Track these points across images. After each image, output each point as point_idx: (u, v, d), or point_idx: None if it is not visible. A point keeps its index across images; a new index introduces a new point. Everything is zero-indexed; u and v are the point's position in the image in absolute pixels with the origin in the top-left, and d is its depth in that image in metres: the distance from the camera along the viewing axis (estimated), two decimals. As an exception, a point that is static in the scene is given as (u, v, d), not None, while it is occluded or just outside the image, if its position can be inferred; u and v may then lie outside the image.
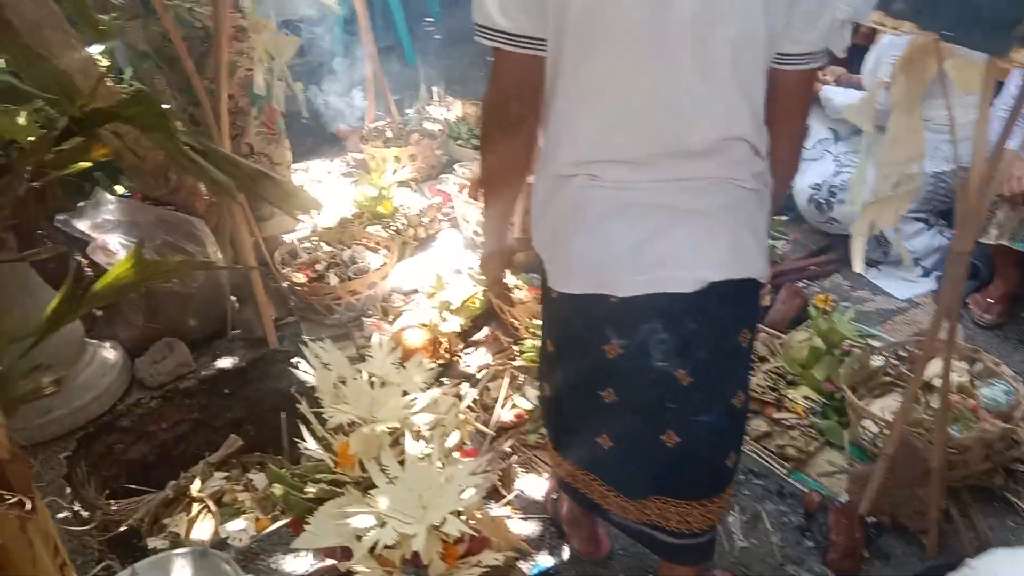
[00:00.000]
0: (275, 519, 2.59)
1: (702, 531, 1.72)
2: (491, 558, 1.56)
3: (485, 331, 2.92)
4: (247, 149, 3.01)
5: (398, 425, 1.72)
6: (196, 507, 2.59)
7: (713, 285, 1.43)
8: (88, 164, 1.34)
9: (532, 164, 1.52)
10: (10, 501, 0.91)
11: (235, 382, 2.90)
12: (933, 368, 2.46)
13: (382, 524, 1.54)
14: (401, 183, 3.73)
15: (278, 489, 1.78)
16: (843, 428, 2.44)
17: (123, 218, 2.62)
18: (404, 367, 1.90)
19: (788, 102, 1.43)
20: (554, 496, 2.27)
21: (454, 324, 2.77)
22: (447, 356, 2.80)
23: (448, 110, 4.43)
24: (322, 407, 1.83)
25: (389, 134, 4.18)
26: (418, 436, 1.74)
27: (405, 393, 1.86)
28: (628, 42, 1.29)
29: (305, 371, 1.80)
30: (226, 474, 2.75)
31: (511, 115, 1.40)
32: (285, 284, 3.06)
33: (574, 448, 1.82)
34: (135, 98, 0.98)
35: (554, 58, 1.36)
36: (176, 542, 2.48)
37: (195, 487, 2.62)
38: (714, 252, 1.43)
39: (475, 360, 2.81)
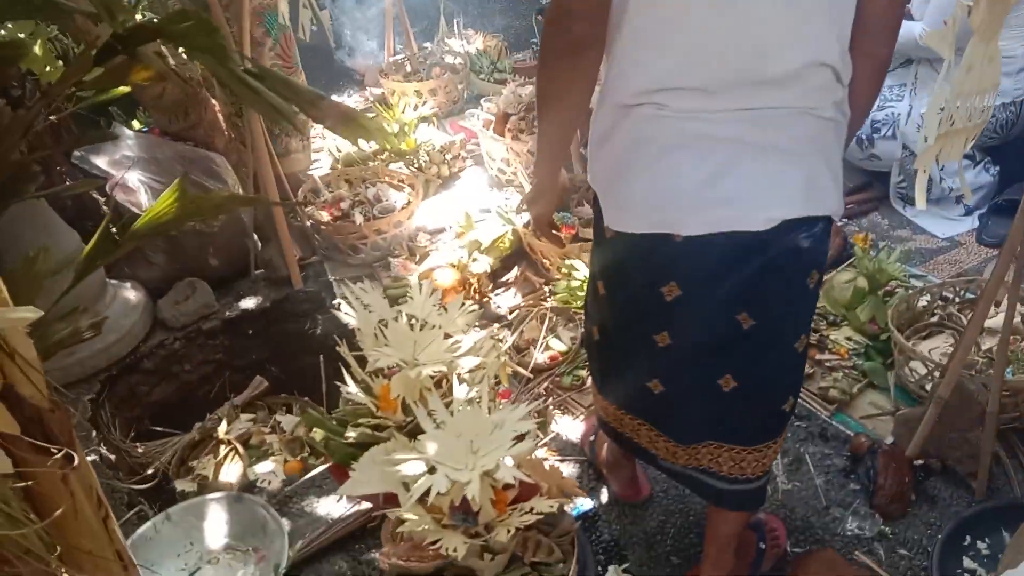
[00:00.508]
0: (304, 461, 2.56)
1: (756, 476, 1.67)
2: (545, 505, 1.50)
3: (515, 271, 2.85)
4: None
5: (444, 368, 1.65)
6: (223, 449, 2.55)
7: (785, 223, 1.34)
8: (113, 95, 1.25)
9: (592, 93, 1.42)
10: (56, 455, 0.84)
11: (259, 323, 2.84)
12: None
13: (431, 470, 1.48)
14: (423, 119, 3.61)
15: (318, 434, 1.73)
16: (887, 370, 2.38)
17: (142, 154, 2.52)
18: (445, 309, 1.82)
19: (876, 26, 1.32)
20: (592, 438, 2.23)
21: (484, 264, 2.69)
22: (477, 297, 2.73)
23: (468, 43, 4.27)
24: (360, 350, 1.77)
25: (409, 68, 4.04)
26: (463, 379, 1.67)
27: (447, 336, 1.79)
28: None
29: (347, 313, 1.72)
30: (252, 416, 2.70)
31: (576, 37, 1.28)
32: (308, 223, 2.97)
33: (622, 392, 1.77)
34: (182, 13, 0.88)
35: None
36: (204, 484, 2.44)
37: (221, 429, 2.57)
38: (788, 188, 1.34)
39: (505, 301, 2.74)
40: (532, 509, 1.53)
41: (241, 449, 2.51)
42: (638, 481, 2.12)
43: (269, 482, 2.48)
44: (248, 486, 2.48)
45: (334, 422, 1.81)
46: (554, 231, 2.72)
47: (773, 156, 1.33)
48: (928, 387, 2.25)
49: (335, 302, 1.90)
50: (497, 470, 1.47)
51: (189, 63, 2.58)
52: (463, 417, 1.57)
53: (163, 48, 2.39)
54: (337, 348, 1.78)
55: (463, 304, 1.87)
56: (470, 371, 1.71)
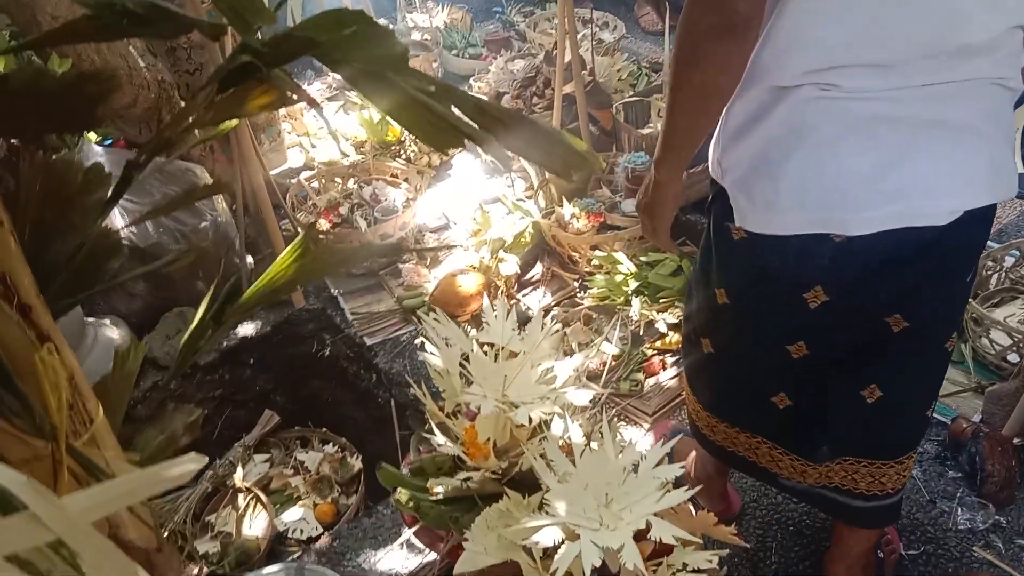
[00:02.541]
0: (335, 502, 2.30)
1: (895, 491, 1.51)
2: (702, 559, 1.29)
3: (539, 268, 2.60)
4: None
5: (555, 409, 1.42)
6: (243, 499, 2.27)
7: (967, 214, 1.16)
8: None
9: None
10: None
11: (260, 349, 2.54)
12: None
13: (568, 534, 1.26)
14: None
15: (403, 495, 1.47)
16: (962, 343, 2.23)
17: (115, 171, 2.17)
18: (526, 333, 1.58)
19: None
20: (668, 451, 2.03)
21: (513, 265, 2.44)
22: (506, 300, 2.48)
23: (432, 18, 3.95)
24: (435, 388, 1.52)
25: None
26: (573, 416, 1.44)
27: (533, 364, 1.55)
28: None
29: (432, 353, 1.46)
30: (267, 456, 2.42)
31: (738, 16, 1.04)
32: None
33: (739, 409, 1.58)
34: (337, 15, 0.62)
35: None
36: (228, 542, 2.16)
37: (237, 476, 2.28)
38: (973, 173, 1.15)
39: (535, 302, 2.50)
40: (686, 566, 1.32)
41: (263, 497, 2.23)
42: (728, 495, 1.93)
43: (301, 531, 2.21)
44: (278, 538, 2.20)
45: (415, 475, 1.55)
46: (576, 219, 2.49)
47: (959, 136, 1.13)
48: (1010, 358, 2.12)
49: (416, 341, 1.60)
50: (652, 529, 1.26)
51: (156, 62, 2.23)
52: (588, 464, 1.34)
53: (130, 46, 2.05)
54: (409, 390, 1.53)
55: (543, 324, 1.63)
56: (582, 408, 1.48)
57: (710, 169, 1.33)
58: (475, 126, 0.71)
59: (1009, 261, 2.32)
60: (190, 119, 0.64)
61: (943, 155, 1.13)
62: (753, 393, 1.50)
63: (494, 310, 1.61)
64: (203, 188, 0.88)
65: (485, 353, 1.56)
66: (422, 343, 1.51)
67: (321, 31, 0.66)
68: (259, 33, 0.66)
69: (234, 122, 0.76)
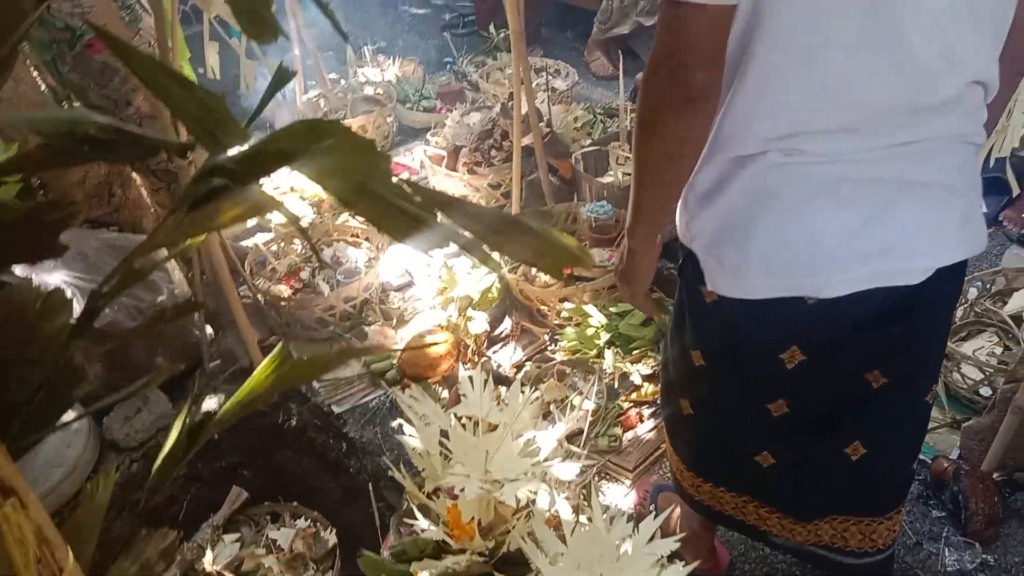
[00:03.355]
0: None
1: (886, 546, 1.49)
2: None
3: (508, 322, 2.57)
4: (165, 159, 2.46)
5: (541, 486, 1.38)
6: (214, 583, 2.17)
7: (939, 271, 1.16)
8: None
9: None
10: None
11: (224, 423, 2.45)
12: (1017, 300, 2.29)
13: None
14: (361, 162, 3.26)
15: (387, 584, 1.41)
16: (932, 378, 2.24)
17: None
18: (505, 403, 1.54)
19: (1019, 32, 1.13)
20: (651, 507, 2.00)
21: (481, 323, 2.40)
22: (475, 359, 2.43)
23: (383, 71, 3.94)
24: (414, 467, 1.47)
25: (325, 106, 3.67)
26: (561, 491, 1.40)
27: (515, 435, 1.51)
28: None
29: (411, 435, 1.41)
30: (237, 536, 2.32)
31: (697, 87, 1.04)
32: (263, 300, 2.59)
33: (723, 469, 1.56)
34: (313, 126, 0.59)
35: (751, 7, 1.02)
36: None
37: (207, 560, 2.18)
38: (946, 231, 1.15)
39: (506, 358, 2.46)
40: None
41: (236, 580, 2.14)
42: (716, 550, 1.90)
43: (278, 615, 2.12)
44: (254, 624, 2.11)
45: (398, 560, 1.49)
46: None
47: (928, 194, 1.14)
48: (982, 392, 2.13)
49: (395, 424, 1.54)
50: (652, 611, 1.22)
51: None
52: (579, 542, 1.30)
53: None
54: (383, 459, 1.47)
55: (523, 391, 1.59)
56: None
57: (679, 234, 1.31)
58: (467, 235, 0.68)
59: (973, 293, 2.35)
60: (156, 243, 0.59)
61: (913, 214, 1.13)
62: (736, 452, 1.47)
63: (471, 382, 1.57)
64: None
65: (464, 426, 1.52)
66: (392, 408, 1.45)
67: (297, 143, 0.62)
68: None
69: (199, 239, 0.72)
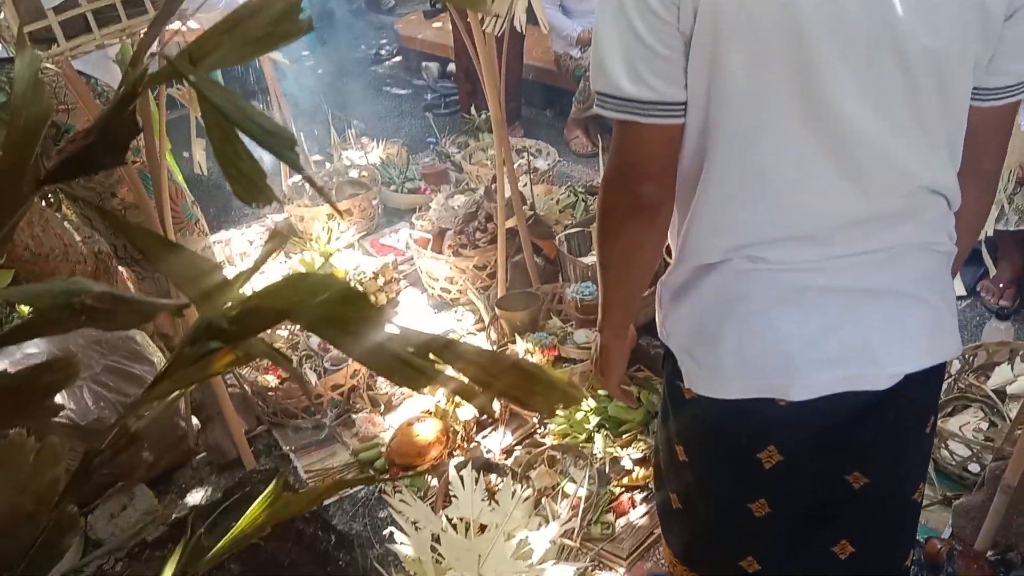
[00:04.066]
0: None
1: (884, 637, 1.47)
2: None
3: (496, 406, 2.56)
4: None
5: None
6: None
7: (908, 377, 1.17)
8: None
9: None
10: None
11: (210, 517, 2.41)
12: (1000, 375, 2.31)
13: None
14: (348, 246, 3.30)
15: None
16: (921, 455, 2.25)
17: (51, 348, 2.09)
18: (496, 502, 1.53)
19: (984, 142, 1.16)
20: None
21: (470, 408, 2.39)
22: (464, 445, 2.42)
23: (366, 153, 4.00)
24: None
25: (309, 190, 3.71)
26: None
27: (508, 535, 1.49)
28: (813, 86, 1.01)
29: (402, 543, 1.40)
30: (226, 635, 2.26)
31: (648, 198, 1.10)
32: (249, 389, 2.58)
33: (713, 566, 1.54)
34: (307, 279, 0.61)
35: (700, 123, 1.07)
36: None
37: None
38: (910, 338, 1.17)
39: (495, 444, 2.45)
40: None
41: None
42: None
43: None
44: None
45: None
46: (529, 355, 2.48)
47: (893, 301, 1.16)
48: (971, 468, 2.14)
49: (383, 516, 1.52)
50: None
51: (92, 233, 2.18)
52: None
53: (69, 215, 2.01)
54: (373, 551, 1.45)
55: (513, 491, 1.59)
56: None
57: (657, 329, 1.33)
58: (463, 379, 0.70)
59: (955, 367, 2.37)
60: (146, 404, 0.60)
61: (874, 322, 1.14)
62: (722, 553, 1.46)
63: (461, 481, 1.56)
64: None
65: (455, 528, 1.51)
66: (381, 498, 1.43)
67: (293, 299, 0.63)
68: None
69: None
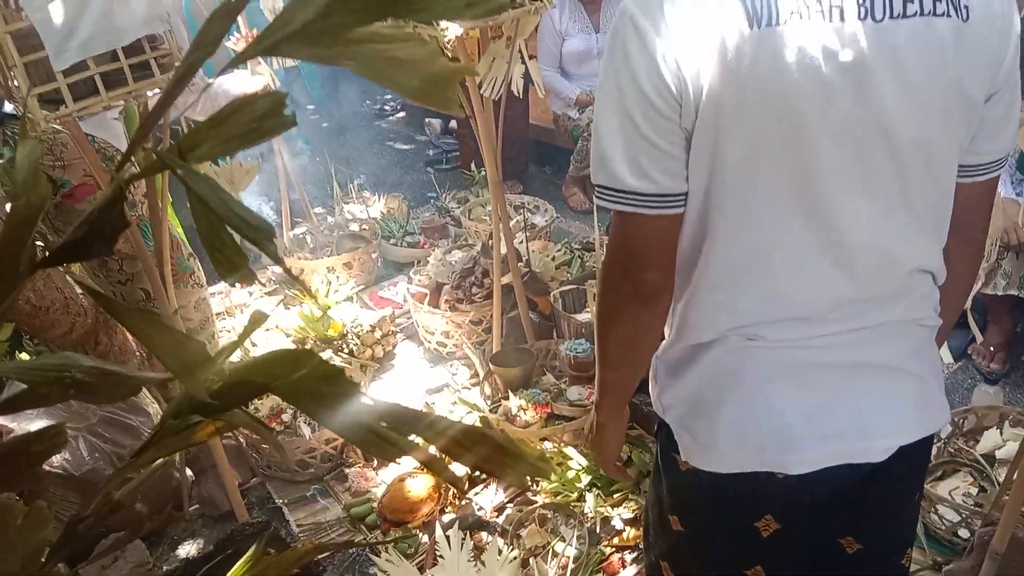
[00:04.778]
0: None
1: None
2: None
3: (489, 462, 2.57)
4: (142, 295, 2.51)
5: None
6: None
7: (900, 448, 1.20)
8: None
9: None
10: None
11: (202, 569, 2.41)
12: (989, 439, 2.32)
13: None
14: (347, 299, 3.34)
15: None
16: (912, 518, 2.25)
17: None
18: (482, 563, 1.54)
19: (969, 215, 1.22)
20: None
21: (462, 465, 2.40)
22: (456, 502, 2.43)
23: (368, 207, 4.06)
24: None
25: (311, 242, 3.77)
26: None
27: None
28: (807, 177, 1.05)
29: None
30: None
31: (649, 285, 1.13)
32: (244, 442, 2.59)
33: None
34: (290, 356, 0.64)
35: (700, 212, 1.11)
36: None
37: None
38: (902, 412, 1.20)
39: (487, 501, 2.45)
40: None
41: None
42: None
43: None
44: None
45: None
46: (523, 411, 2.50)
47: (884, 376, 1.19)
48: (961, 533, 2.14)
49: (373, 572, 1.51)
50: None
51: (92, 285, 2.22)
52: None
53: (65, 272, 2.05)
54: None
55: (500, 551, 1.60)
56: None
57: (652, 403, 1.36)
58: (437, 454, 0.72)
59: (945, 431, 2.38)
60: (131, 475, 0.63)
61: (871, 397, 1.18)
62: None
63: (447, 541, 1.57)
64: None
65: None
66: (369, 556, 1.44)
67: (274, 373, 0.67)
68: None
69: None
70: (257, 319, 0.69)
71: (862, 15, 1.00)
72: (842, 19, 1.00)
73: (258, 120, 0.61)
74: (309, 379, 0.67)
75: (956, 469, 2.29)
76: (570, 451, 2.38)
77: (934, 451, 2.34)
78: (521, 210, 3.71)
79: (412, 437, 0.72)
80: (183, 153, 0.59)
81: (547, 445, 2.47)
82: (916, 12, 1.01)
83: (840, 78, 1.01)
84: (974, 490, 2.20)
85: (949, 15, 1.03)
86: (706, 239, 1.12)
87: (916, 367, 1.21)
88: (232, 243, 0.61)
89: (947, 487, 2.24)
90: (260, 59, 3.21)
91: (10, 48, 1.69)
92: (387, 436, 0.68)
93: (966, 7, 1.03)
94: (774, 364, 1.17)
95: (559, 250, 3.34)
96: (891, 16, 1.01)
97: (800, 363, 1.16)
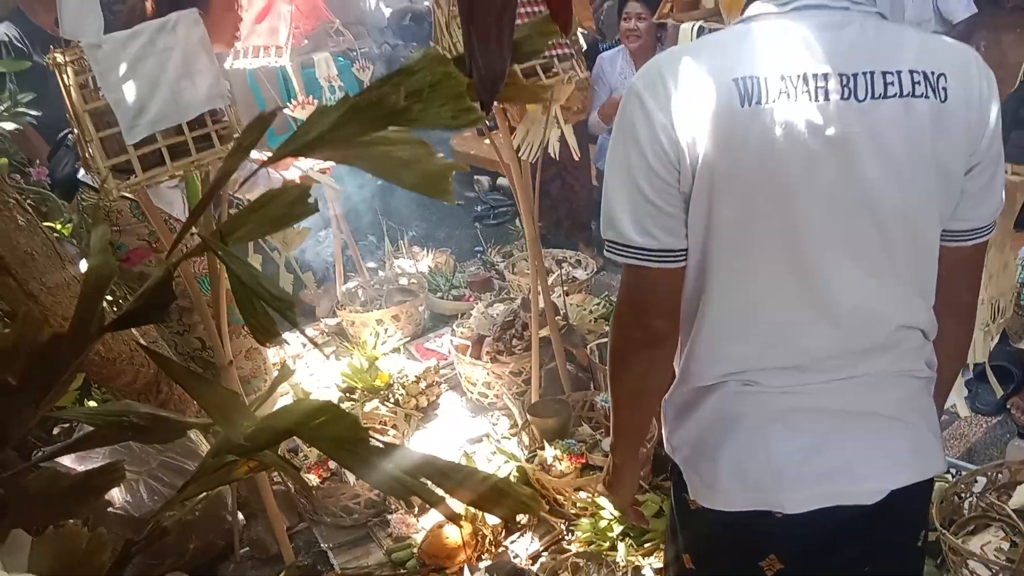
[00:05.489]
0: None
1: None
2: None
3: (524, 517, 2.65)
4: (197, 344, 2.67)
5: None
6: None
7: (893, 492, 1.26)
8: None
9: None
10: None
11: (249, 612, 2.52)
12: (1022, 494, 2.32)
13: None
14: (394, 350, 3.47)
15: None
16: (942, 572, 2.25)
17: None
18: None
19: (958, 278, 1.30)
20: None
21: (498, 512, 2.48)
22: (493, 549, 2.50)
23: (417, 261, 4.23)
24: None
25: (362, 295, 3.93)
26: None
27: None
28: (796, 240, 1.16)
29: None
30: None
31: (655, 332, 1.25)
32: (293, 487, 2.72)
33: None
34: (315, 407, 0.75)
35: (698, 267, 1.22)
36: None
37: None
38: (894, 456, 1.27)
39: (523, 548, 2.52)
40: None
41: None
42: None
43: None
44: None
45: None
46: (558, 461, 2.57)
47: (875, 423, 1.27)
48: (995, 589, 2.13)
49: None
50: None
51: (156, 337, 2.39)
52: None
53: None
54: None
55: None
56: None
57: (664, 444, 1.44)
58: (439, 492, 0.83)
59: (979, 486, 2.39)
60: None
61: (861, 441, 1.25)
62: None
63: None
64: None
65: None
66: None
67: (298, 420, 0.78)
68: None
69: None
70: (284, 374, 0.81)
71: (845, 95, 1.11)
72: (827, 99, 1.11)
73: (288, 207, 0.74)
74: (327, 425, 0.78)
75: (988, 524, 2.29)
76: (603, 501, 2.44)
77: (965, 505, 2.34)
78: (563, 264, 3.82)
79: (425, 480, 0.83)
80: (224, 236, 0.72)
81: (581, 495, 2.54)
82: (896, 94, 1.11)
83: (825, 151, 1.11)
84: (1006, 545, 2.20)
85: (927, 96, 1.12)
86: (704, 292, 1.22)
87: (908, 415, 1.27)
88: (264, 312, 0.73)
89: (979, 542, 2.24)
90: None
91: (88, 125, 1.88)
92: (404, 481, 0.79)
93: (944, 89, 1.13)
94: (769, 408, 1.25)
95: (598, 303, 3.43)
96: (872, 97, 1.11)
97: (793, 407, 1.24)
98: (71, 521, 0.88)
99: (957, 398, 2.27)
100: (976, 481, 2.43)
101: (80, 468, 2.18)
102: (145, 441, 0.72)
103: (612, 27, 4.83)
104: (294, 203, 0.74)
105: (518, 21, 1.62)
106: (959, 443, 2.83)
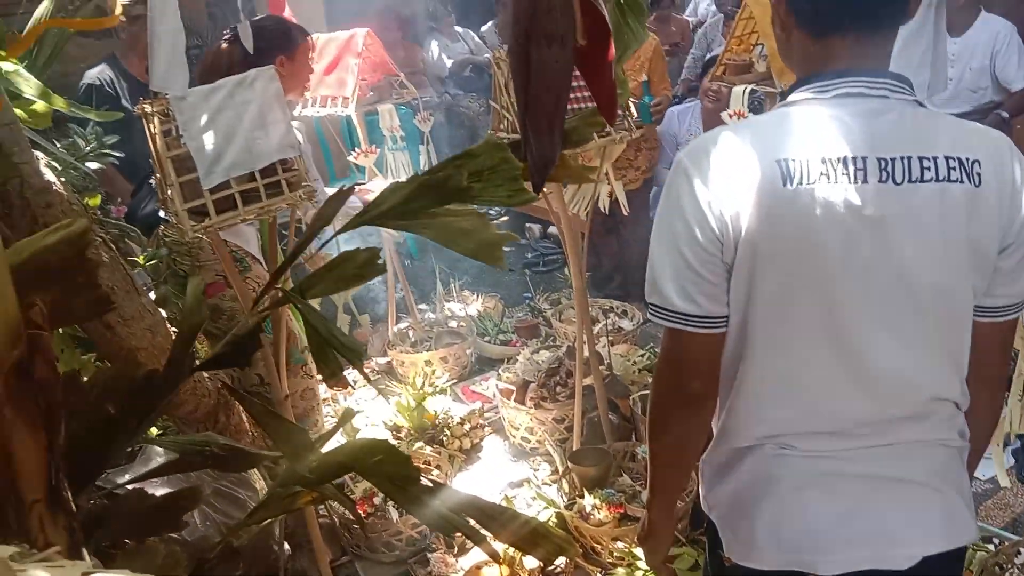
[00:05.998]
0: None
1: None
2: None
3: (562, 558, 2.69)
4: (256, 379, 2.79)
5: None
6: None
7: (925, 559, 1.30)
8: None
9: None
10: None
11: (290, 642, 2.59)
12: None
13: None
14: (440, 391, 3.56)
15: None
16: (984, 644, 2.23)
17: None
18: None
19: (988, 352, 1.34)
20: None
21: (536, 556, 2.53)
22: (529, 593, 2.55)
23: (466, 305, 4.33)
24: None
25: (413, 336, 4.04)
26: None
27: None
28: (835, 313, 1.22)
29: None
30: None
31: (694, 394, 1.31)
32: (338, 521, 2.80)
33: None
34: (371, 445, 0.83)
35: (738, 333, 1.28)
36: None
37: None
38: (927, 524, 1.31)
39: (559, 594, 2.56)
40: None
41: None
42: None
43: None
44: None
45: None
46: (597, 511, 2.61)
47: (909, 490, 1.31)
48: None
49: None
50: None
51: (218, 372, 2.51)
52: None
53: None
54: None
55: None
56: None
57: (701, 501, 1.49)
58: (481, 530, 0.91)
59: (1021, 558, 2.37)
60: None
61: (900, 506, 1.29)
62: None
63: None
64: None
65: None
66: None
67: (357, 456, 0.87)
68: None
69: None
70: (347, 415, 0.90)
71: (883, 178, 1.17)
72: (865, 181, 1.17)
73: (359, 269, 0.83)
74: (381, 462, 0.87)
75: (1028, 596, 2.27)
76: (639, 552, 2.47)
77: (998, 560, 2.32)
78: (609, 314, 3.89)
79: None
80: (303, 291, 0.82)
81: (618, 544, 2.57)
82: (932, 178, 1.18)
83: (862, 229, 1.18)
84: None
85: (962, 181, 1.18)
86: (744, 357, 1.29)
87: (940, 484, 1.31)
88: (334, 358, 0.82)
89: (1020, 614, 2.22)
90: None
91: (170, 169, 2.03)
92: (449, 518, 0.87)
93: (978, 174, 1.19)
94: (805, 472, 1.30)
95: (642, 354, 3.48)
96: (909, 180, 1.18)
97: (829, 472, 1.29)
98: (150, 539, 0.97)
99: (998, 469, 2.26)
100: (1020, 552, 2.41)
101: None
102: (223, 470, 0.81)
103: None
104: (364, 264, 0.83)
105: (569, 109, 1.72)
106: (1004, 513, 2.80)
